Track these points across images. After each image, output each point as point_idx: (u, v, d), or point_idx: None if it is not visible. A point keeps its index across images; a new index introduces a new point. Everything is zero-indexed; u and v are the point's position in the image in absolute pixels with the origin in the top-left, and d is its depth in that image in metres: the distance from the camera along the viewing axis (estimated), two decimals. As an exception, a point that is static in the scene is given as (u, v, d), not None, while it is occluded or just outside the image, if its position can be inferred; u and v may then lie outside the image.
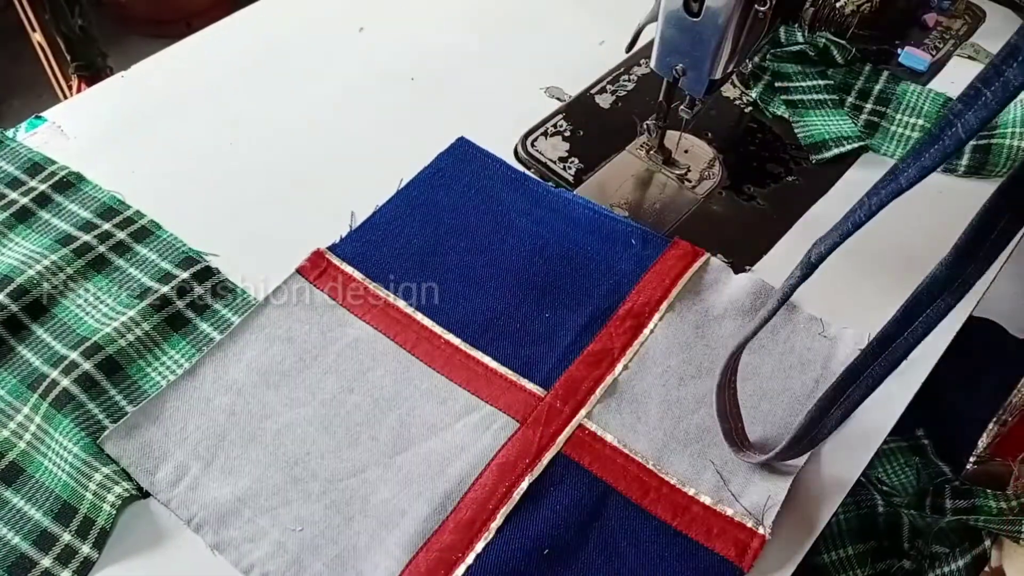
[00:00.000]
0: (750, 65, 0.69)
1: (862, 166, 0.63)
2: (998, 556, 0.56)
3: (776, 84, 0.68)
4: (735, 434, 0.45)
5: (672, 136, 0.62)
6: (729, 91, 0.69)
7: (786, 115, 0.66)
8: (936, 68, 0.71)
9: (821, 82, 0.68)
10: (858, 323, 0.52)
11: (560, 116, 0.65)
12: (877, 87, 0.68)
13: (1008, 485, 0.57)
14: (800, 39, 0.68)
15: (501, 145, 0.62)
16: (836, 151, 0.63)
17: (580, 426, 0.47)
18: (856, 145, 0.63)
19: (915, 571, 0.57)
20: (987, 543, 0.56)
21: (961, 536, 0.58)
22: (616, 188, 0.61)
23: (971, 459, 0.62)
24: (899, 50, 0.71)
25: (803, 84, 0.68)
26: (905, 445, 0.62)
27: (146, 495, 0.45)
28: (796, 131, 0.65)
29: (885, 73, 0.69)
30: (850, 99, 0.67)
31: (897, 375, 0.50)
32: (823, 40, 0.68)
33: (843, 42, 0.68)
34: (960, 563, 0.57)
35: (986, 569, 0.57)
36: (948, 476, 0.61)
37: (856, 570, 0.54)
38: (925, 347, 0.51)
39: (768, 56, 0.69)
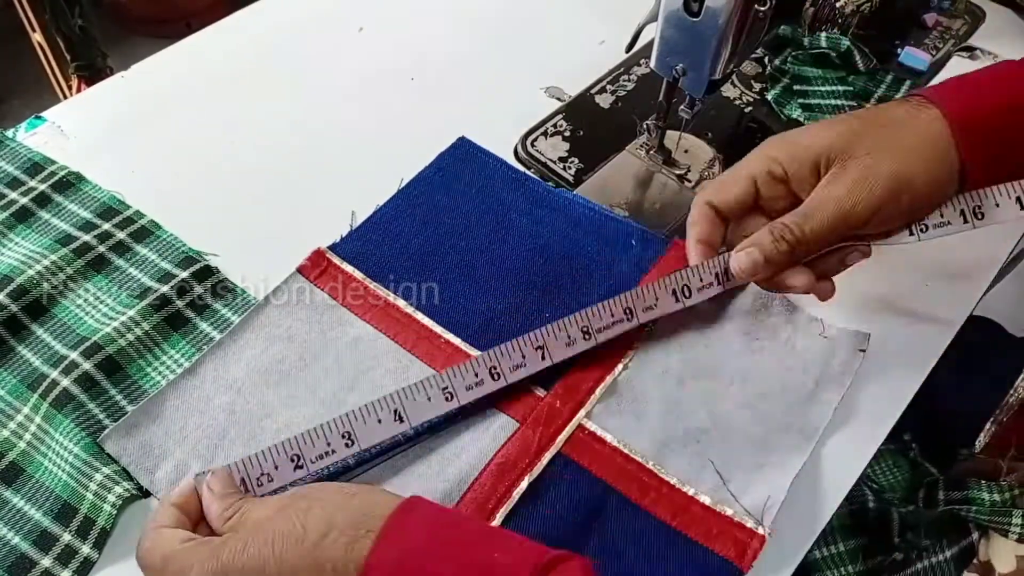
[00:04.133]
0: (769, 67, 0.69)
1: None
2: (985, 549, 0.56)
3: (795, 87, 0.67)
4: None
5: (672, 136, 0.62)
6: (729, 91, 0.69)
7: (801, 118, 0.66)
8: (936, 68, 0.71)
9: (841, 88, 0.67)
10: (857, 324, 0.52)
11: (560, 116, 0.65)
12: (897, 96, 0.68)
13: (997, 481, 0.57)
14: (824, 43, 0.68)
15: (501, 145, 0.62)
16: None
17: (580, 426, 0.47)
18: None
19: (904, 561, 0.57)
20: (975, 536, 0.57)
21: (948, 528, 0.58)
22: (616, 188, 0.61)
23: (960, 456, 0.63)
24: (899, 50, 0.71)
25: (822, 89, 0.67)
26: (893, 448, 0.62)
27: (147, 495, 0.45)
28: None
29: (908, 83, 0.69)
30: (868, 106, 0.67)
31: (897, 373, 0.51)
32: (847, 44, 0.68)
33: (866, 49, 0.68)
34: (947, 554, 0.57)
35: (974, 562, 0.57)
36: (936, 476, 0.61)
37: (848, 566, 0.54)
38: (925, 346, 0.52)
39: (789, 59, 0.69)
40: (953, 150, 0.44)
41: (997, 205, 0.45)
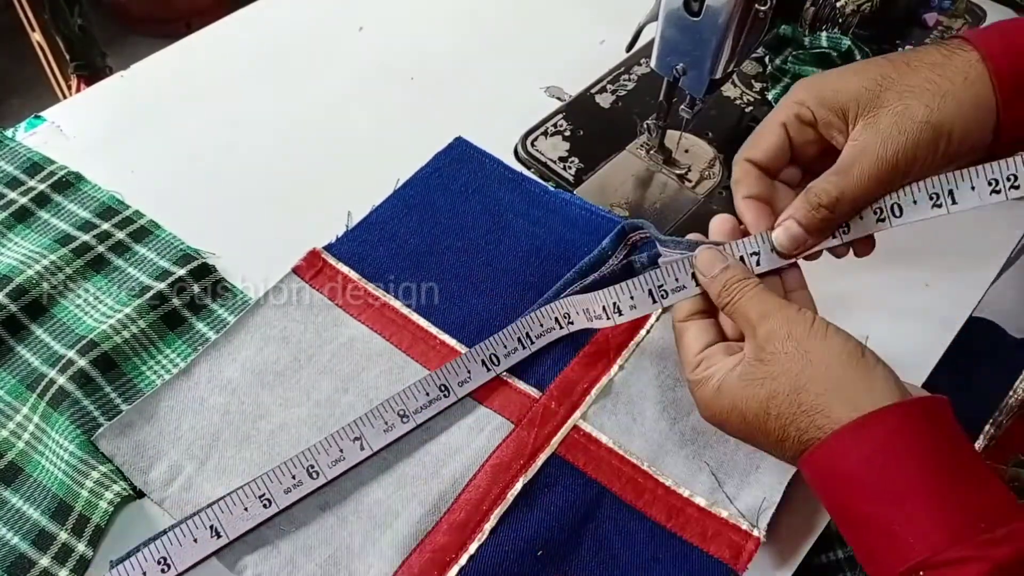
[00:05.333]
0: (770, 67, 0.69)
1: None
2: None
3: None
4: None
5: (672, 136, 0.62)
6: (729, 90, 0.69)
7: None
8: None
9: None
10: (857, 325, 0.52)
11: (560, 116, 0.65)
12: None
13: None
14: (824, 42, 0.68)
15: (501, 145, 0.62)
16: None
17: (575, 427, 0.47)
18: None
19: None
20: None
21: None
22: (616, 188, 0.61)
23: None
24: (900, 49, 0.71)
25: None
26: None
27: (140, 495, 0.45)
28: None
29: None
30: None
31: (897, 374, 0.50)
32: (847, 43, 0.67)
33: (867, 49, 0.68)
34: None
35: None
36: None
37: (847, 573, 0.53)
38: (925, 347, 0.52)
39: (790, 58, 0.69)
40: (992, 95, 0.41)
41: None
